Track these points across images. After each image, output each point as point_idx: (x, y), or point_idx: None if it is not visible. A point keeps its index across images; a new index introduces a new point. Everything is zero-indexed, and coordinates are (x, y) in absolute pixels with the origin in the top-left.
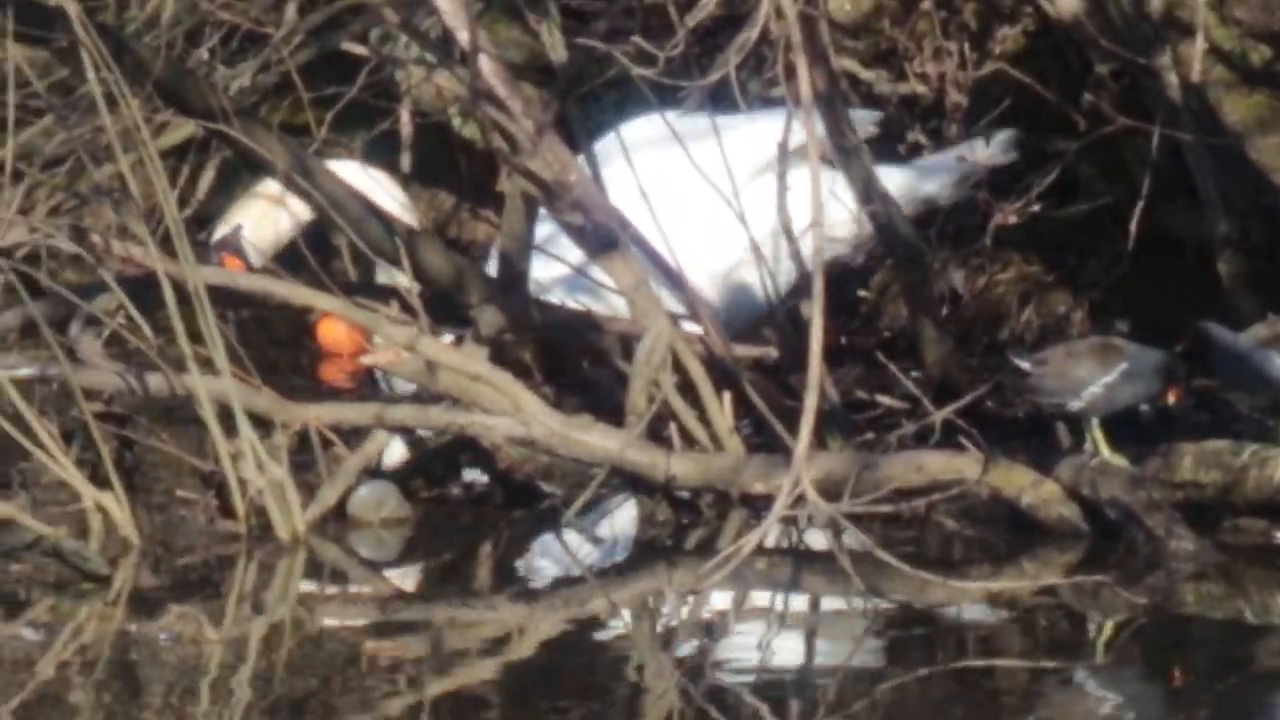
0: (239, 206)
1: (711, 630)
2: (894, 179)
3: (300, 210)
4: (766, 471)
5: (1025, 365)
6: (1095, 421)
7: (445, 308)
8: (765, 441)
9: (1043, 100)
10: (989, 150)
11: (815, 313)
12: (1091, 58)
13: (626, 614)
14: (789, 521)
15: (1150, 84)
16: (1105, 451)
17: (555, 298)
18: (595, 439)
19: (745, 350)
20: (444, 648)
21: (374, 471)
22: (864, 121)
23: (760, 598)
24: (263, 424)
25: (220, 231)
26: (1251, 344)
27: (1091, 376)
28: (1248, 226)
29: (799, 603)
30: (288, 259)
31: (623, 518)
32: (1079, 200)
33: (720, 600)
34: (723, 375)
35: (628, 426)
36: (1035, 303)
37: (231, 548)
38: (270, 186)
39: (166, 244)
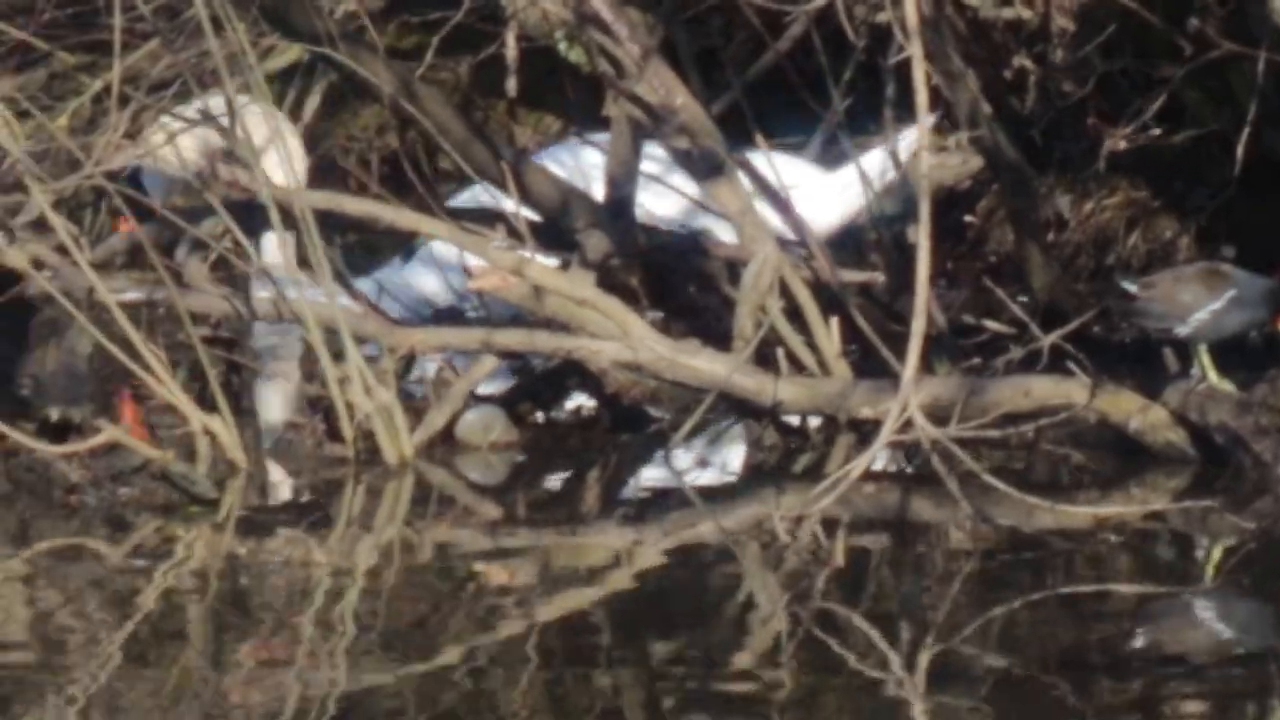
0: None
1: (819, 554)
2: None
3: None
4: (874, 396)
5: (1132, 290)
6: (1203, 347)
7: (551, 232)
8: (872, 366)
9: (1148, 25)
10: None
11: (922, 237)
12: None
13: (735, 538)
14: (896, 446)
15: (1255, 9)
16: (1213, 377)
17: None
18: (703, 364)
19: (852, 275)
20: (552, 572)
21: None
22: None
23: (868, 522)
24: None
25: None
26: None
27: (1198, 302)
28: None
29: (907, 527)
30: (393, 180)
31: (730, 442)
32: (1185, 126)
33: (828, 524)
34: (829, 300)
35: (735, 351)
36: (1142, 228)
37: (339, 471)
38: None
39: None
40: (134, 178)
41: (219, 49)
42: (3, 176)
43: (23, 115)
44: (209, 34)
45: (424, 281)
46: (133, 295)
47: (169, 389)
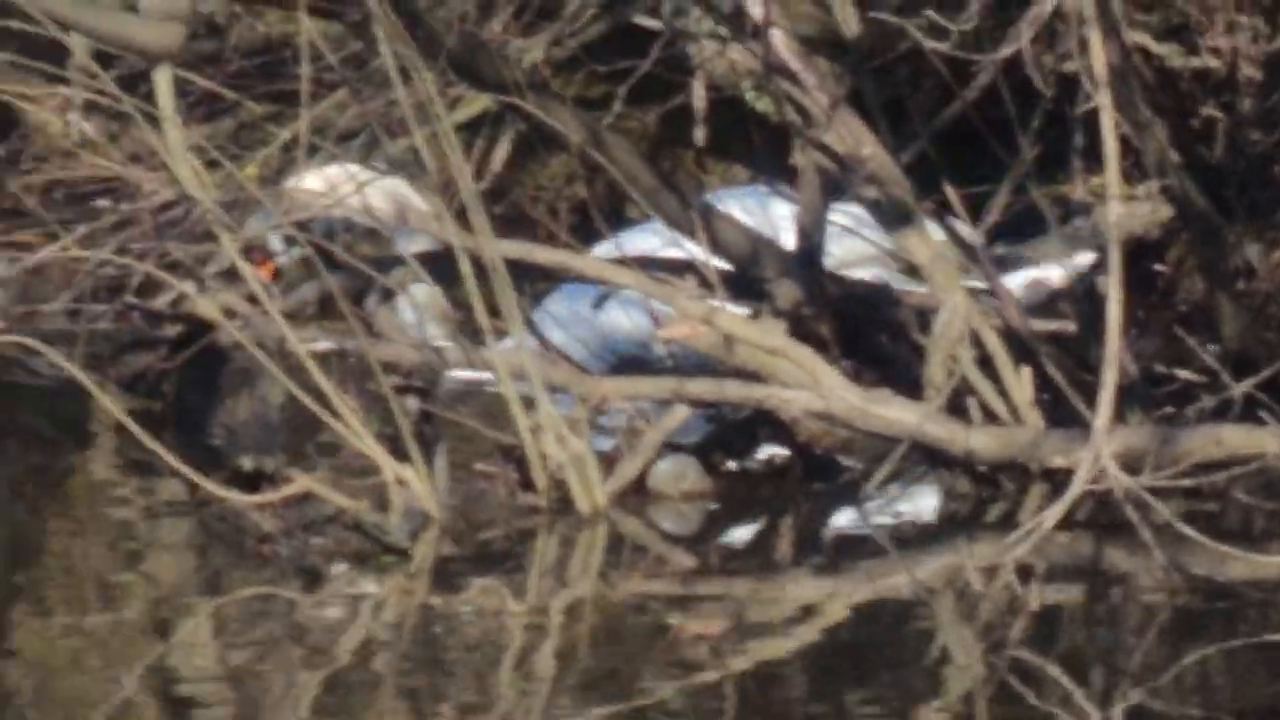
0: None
1: (1014, 604)
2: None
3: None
4: (1066, 445)
5: None
6: None
7: (740, 281)
8: (1063, 415)
9: None
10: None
11: (1112, 287)
12: None
13: (928, 588)
14: (1090, 495)
15: None
16: None
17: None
18: (894, 412)
19: (1043, 324)
20: (745, 621)
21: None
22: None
23: (1062, 571)
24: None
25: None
26: None
27: None
28: None
29: (1101, 576)
30: (582, 229)
31: (923, 491)
32: None
33: (1022, 574)
34: (1020, 349)
35: (926, 400)
36: None
37: (532, 521)
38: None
39: (462, 218)
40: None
41: (406, 98)
42: (193, 226)
43: (212, 165)
44: (397, 84)
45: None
46: (324, 344)
47: (361, 438)
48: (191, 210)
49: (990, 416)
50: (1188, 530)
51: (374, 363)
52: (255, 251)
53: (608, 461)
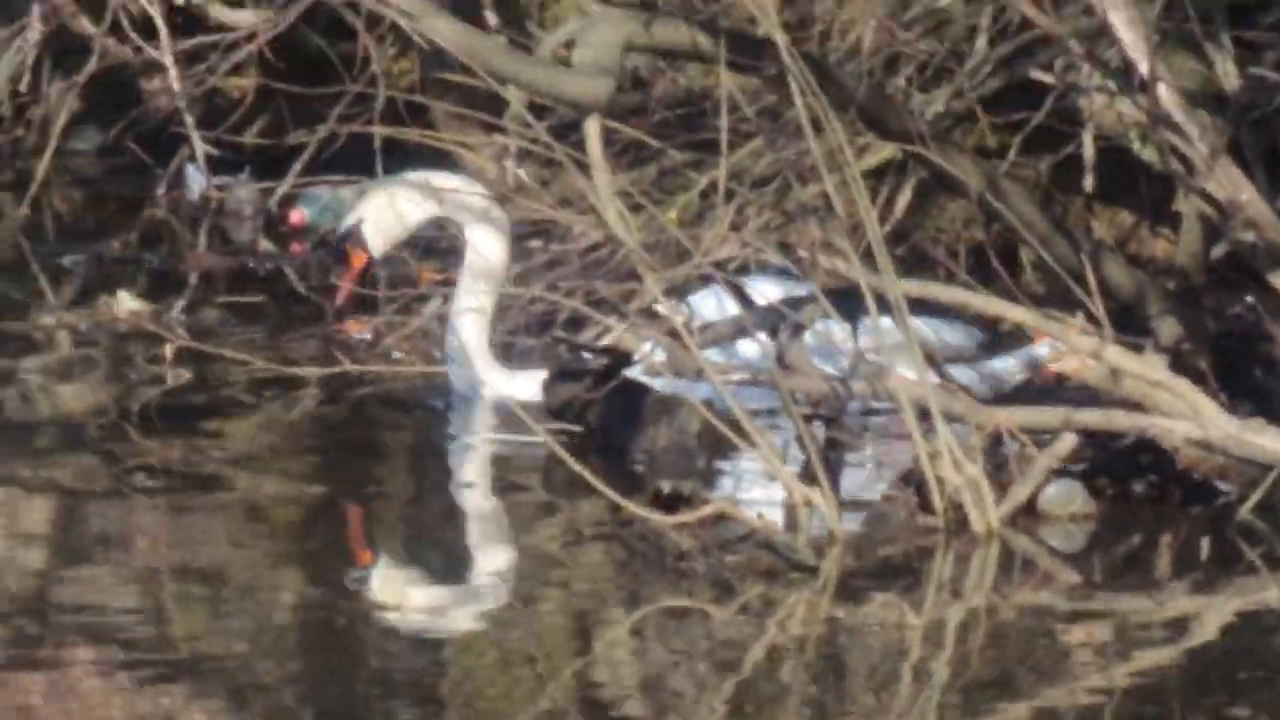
0: (361, 203)
1: None
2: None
3: (419, 206)
4: None
5: None
6: None
7: (1126, 319)
8: None
9: None
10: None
11: None
12: None
13: None
14: None
15: None
16: None
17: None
18: (1268, 441)
19: None
20: (1128, 633)
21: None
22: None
23: None
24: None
25: (345, 225)
26: None
27: None
28: None
29: None
30: (978, 270)
31: None
32: None
33: None
34: None
35: None
36: None
37: (930, 540)
38: (386, 185)
39: (868, 258)
40: (347, 236)
41: (818, 147)
42: (618, 266)
43: (635, 208)
44: (809, 133)
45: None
46: (738, 377)
47: (773, 463)
48: (617, 251)
49: None
50: None
51: (784, 392)
52: (350, 243)
53: (1000, 485)
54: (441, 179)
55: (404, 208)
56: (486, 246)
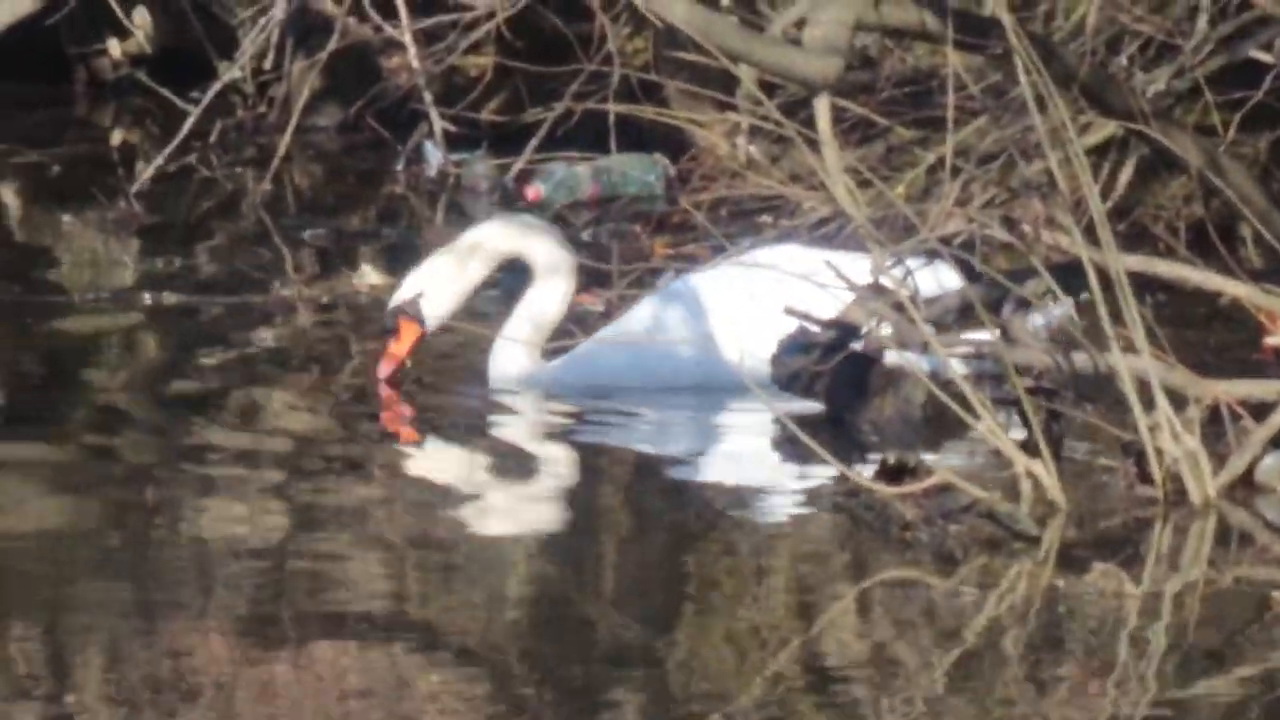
0: (417, 276)
1: None
2: None
3: (472, 276)
4: None
5: None
6: None
7: None
8: None
9: None
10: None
11: None
12: None
13: None
14: None
15: None
16: None
17: None
18: None
19: None
20: None
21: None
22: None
23: None
24: (1177, 398)
25: (399, 297)
26: None
27: None
28: None
29: None
30: (1197, 246)
31: None
32: None
33: None
34: None
35: None
36: None
37: (1149, 511)
38: (444, 258)
39: (1090, 233)
40: (402, 307)
41: (1042, 125)
42: (846, 240)
43: (863, 184)
44: (1033, 111)
45: None
46: (963, 349)
47: (996, 435)
48: (845, 226)
49: None
50: None
51: (1008, 365)
52: (404, 315)
53: (1218, 457)
54: (516, 224)
55: (470, 271)
56: (553, 285)
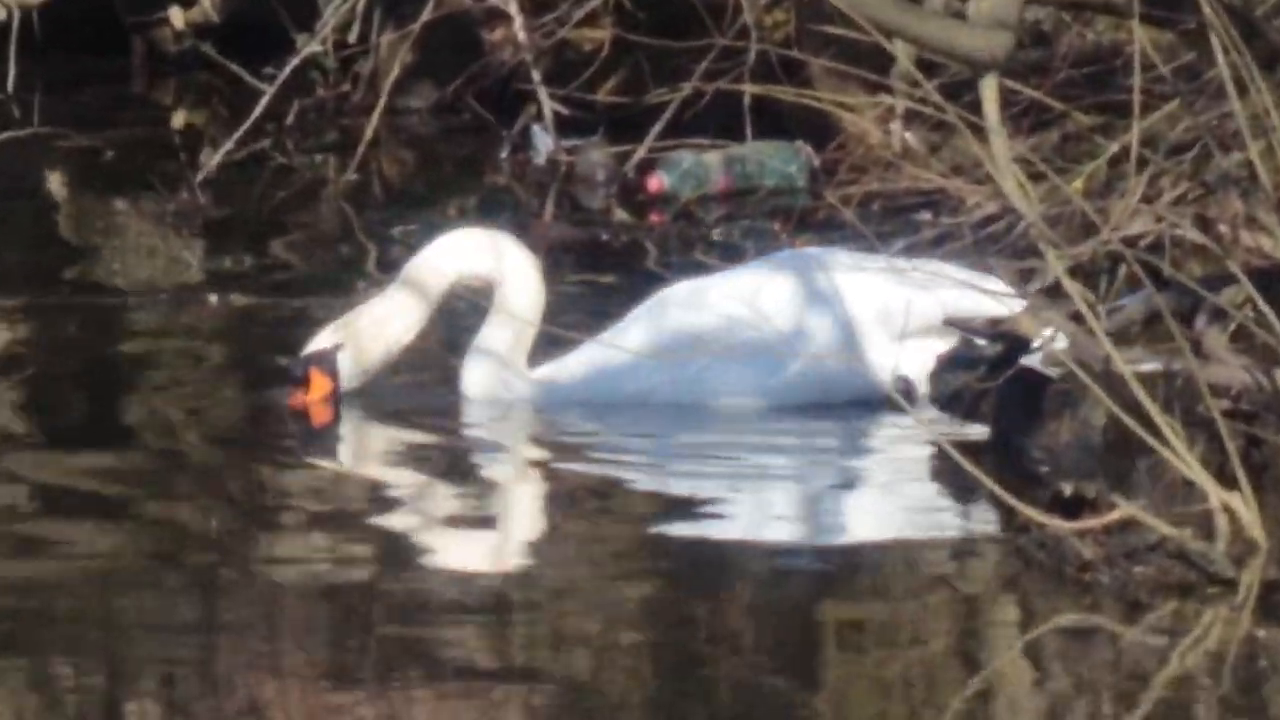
0: (340, 324)
1: None
2: None
3: (401, 334)
4: None
5: None
6: None
7: None
8: None
9: None
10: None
11: None
12: None
13: None
14: None
15: None
16: None
17: None
18: None
19: None
20: None
21: None
22: None
23: None
24: None
25: (314, 345)
26: None
27: None
28: None
29: None
30: None
31: None
32: None
33: None
34: None
35: None
36: None
37: None
38: (370, 313)
39: None
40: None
41: (1241, 111)
42: (1015, 241)
43: (1036, 177)
44: (1231, 95)
45: None
46: (1150, 365)
47: (1187, 463)
48: (1015, 224)
49: None
50: None
51: (1202, 385)
52: (317, 365)
53: None
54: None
55: (399, 327)
56: (521, 288)
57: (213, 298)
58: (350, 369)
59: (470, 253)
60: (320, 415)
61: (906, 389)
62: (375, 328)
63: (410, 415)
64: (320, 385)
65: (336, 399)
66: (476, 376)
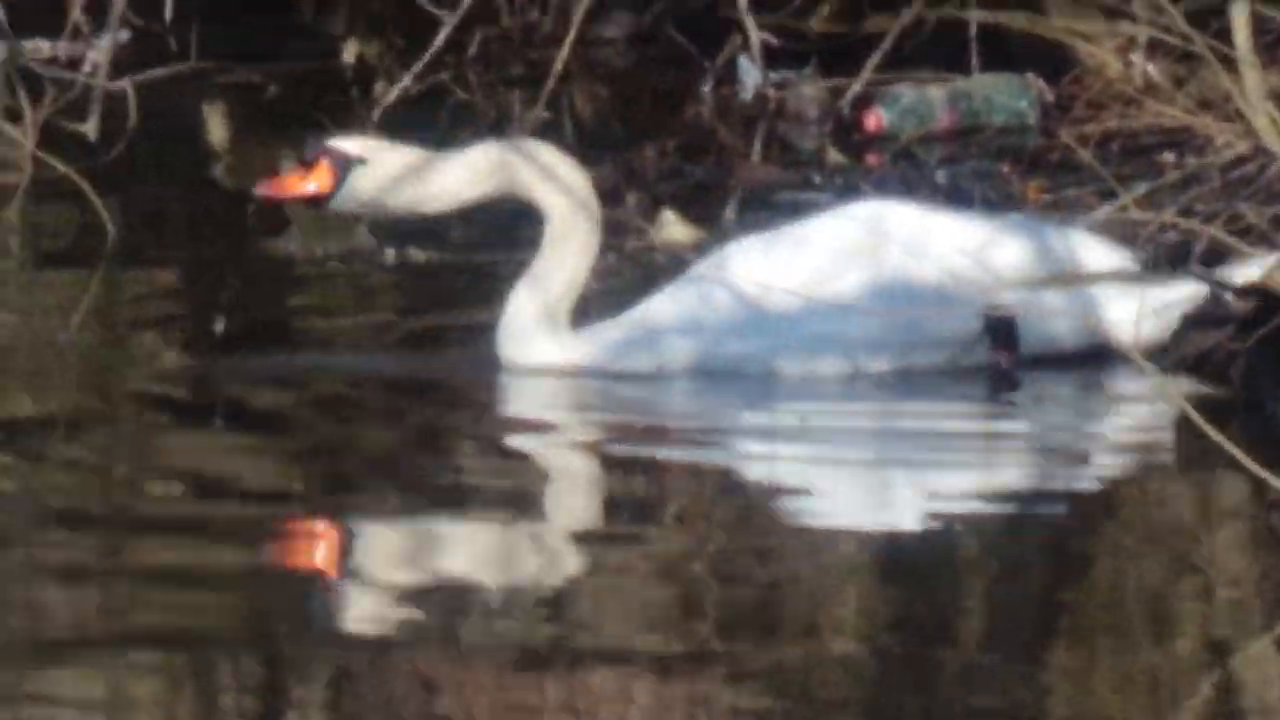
0: (374, 147)
1: None
2: None
3: (417, 197)
4: None
5: None
6: None
7: None
8: None
9: None
10: None
11: None
12: None
13: None
14: None
15: None
16: None
17: None
18: None
19: None
20: None
21: None
22: None
23: None
24: None
25: (342, 141)
26: None
27: None
28: None
29: None
30: None
31: None
32: None
33: None
34: None
35: None
36: None
37: None
38: (410, 159)
39: None
40: (328, 149)
41: None
42: (1269, 184)
43: None
44: None
45: None
46: None
47: None
48: (1269, 165)
49: None
50: None
51: None
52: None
53: None
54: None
55: (420, 190)
56: (570, 217)
57: (389, 252)
58: (353, 186)
59: (519, 166)
60: (291, 191)
61: (1006, 329)
62: (402, 172)
63: None
64: (321, 179)
65: (321, 201)
66: (513, 334)
